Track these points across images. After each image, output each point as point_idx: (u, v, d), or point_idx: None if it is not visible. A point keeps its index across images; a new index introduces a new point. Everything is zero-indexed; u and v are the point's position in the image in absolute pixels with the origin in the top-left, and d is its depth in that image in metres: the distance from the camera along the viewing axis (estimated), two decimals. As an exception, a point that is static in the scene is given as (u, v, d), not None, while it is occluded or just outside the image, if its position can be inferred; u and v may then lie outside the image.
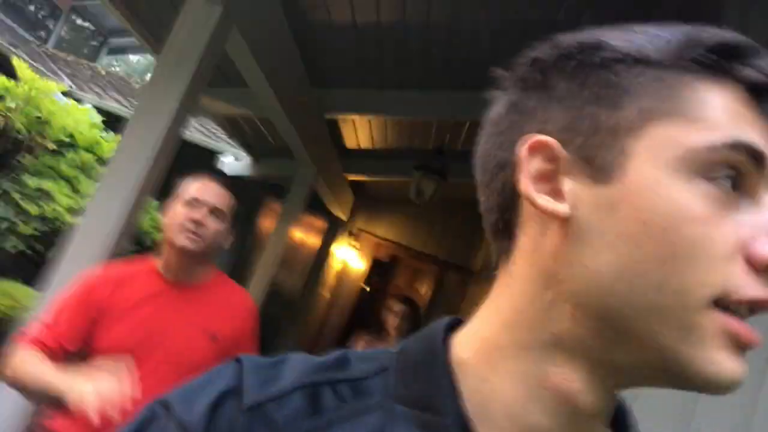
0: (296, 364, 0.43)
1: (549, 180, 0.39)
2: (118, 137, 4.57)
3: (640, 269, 0.36)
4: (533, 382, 0.39)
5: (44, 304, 1.80)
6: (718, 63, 0.37)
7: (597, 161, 0.38)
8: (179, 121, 1.99)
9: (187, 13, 2.01)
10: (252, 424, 0.38)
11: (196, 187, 1.54)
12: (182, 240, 1.48)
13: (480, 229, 0.47)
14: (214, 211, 1.53)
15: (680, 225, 0.35)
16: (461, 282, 6.87)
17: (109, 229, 1.87)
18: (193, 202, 1.51)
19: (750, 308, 0.36)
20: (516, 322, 0.40)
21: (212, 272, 1.61)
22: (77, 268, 1.80)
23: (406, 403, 0.40)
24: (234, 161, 5.77)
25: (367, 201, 6.62)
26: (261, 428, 0.38)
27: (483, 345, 0.42)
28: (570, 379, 0.38)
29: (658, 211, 0.36)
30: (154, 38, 2.97)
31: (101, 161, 4.83)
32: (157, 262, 1.56)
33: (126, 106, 6.55)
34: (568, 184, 0.39)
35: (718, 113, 0.37)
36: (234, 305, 1.62)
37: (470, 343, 0.42)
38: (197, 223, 1.49)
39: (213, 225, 1.52)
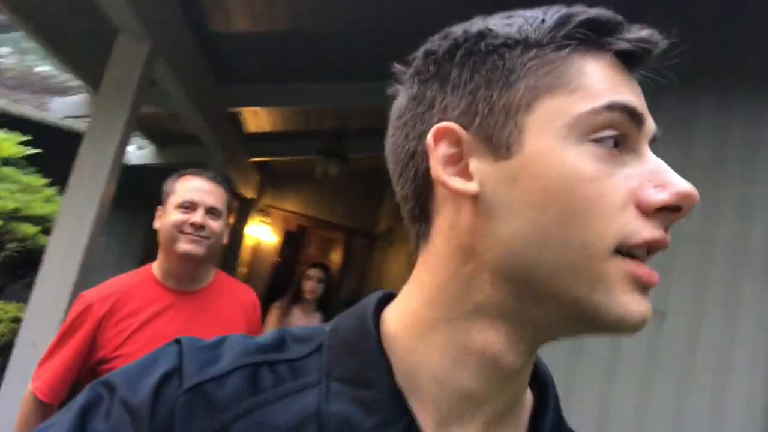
0: (235, 346, 0.44)
1: (456, 162, 0.42)
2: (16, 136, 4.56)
3: (545, 232, 0.38)
4: (458, 350, 0.41)
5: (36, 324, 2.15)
6: (590, 37, 0.41)
7: (495, 139, 0.40)
8: (123, 145, 2.37)
9: (118, 51, 2.37)
10: (192, 404, 0.39)
11: (189, 188, 1.47)
12: (184, 246, 1.43)
13: (380, 197, 0.64)
14: (211, 210, 1.47)
15: (575, 186, 0.38)
16: (367, 246, 7.60)
17: (82, 242, 2.25)
18: (188, 204, 1.45)
19: (648, 250, 0.39)
20: (439, 297, 0.42)
21: (213, 272, 1.57)
22: (55, 286, 2.16)
23: (341, 379, 0.42)
24: (137, 150, 5.85)
25: (273, 179, 7.02)
26: (201, 408, 0.39)
27: (410, 319, 0.44)
28: (492, 341, 0.40)
29: (554, 177, 0.38)
30: (89, 77, 3.25)
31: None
32: (154, 271, 1.49)
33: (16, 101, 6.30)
34: (473, 164, 0.41)
35: (595, 81, 0.40)
36: (242, 303, 1.58)
37: (399, 318, 0.44)
38: (197, 226, 1.44)
39: (212, 225, 1.47)
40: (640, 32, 0.42)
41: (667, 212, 0.39)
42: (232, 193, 1.59)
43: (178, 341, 0.43)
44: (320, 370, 0.43)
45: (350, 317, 0.47)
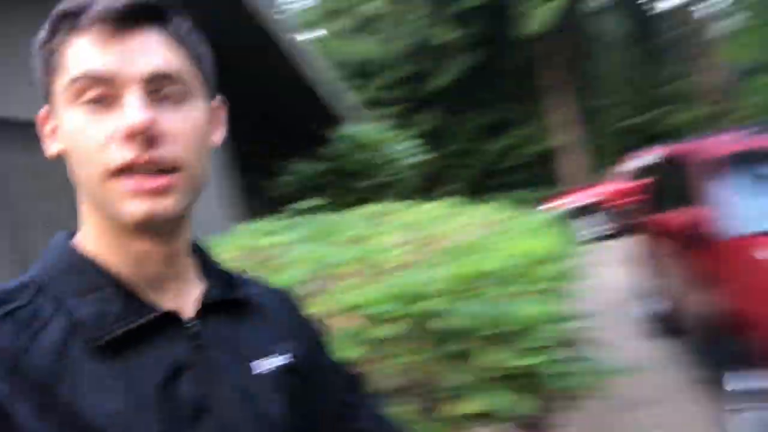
0: None
1: (52, 135, 0.59)
2: None
3: (77, 171, 0.56)
4: (119, 245, 0.58)
5: None
6: (68, 25, 0.55)
7: (54, 110, 0.58)
8: None
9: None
10: None
11: None
12: None
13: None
14: None
15: (74, 137, 0.54)
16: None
17: None
18: None
19: (137, 168, 0.53)
20: (93, 222, 0.60)
21: None
22: None
23: (74, 295, 0.56)
24: None
25: None
26: None
27: (91, 239, 0.60)
28: (131, 239, 0.58)
29: (65, 133, 0.56)
30: None
31: None
32: None
33: None
34: (56, 135, 0.59)
35: (71, 60, 0.54)
36: None
37: (86, 241, 0.60)
38: None
39: None
40: (99, 6, 0.54)
41: (136, 139, 0.52)
42: None
43: None
44: (53, 301, 0.55)
45: (51, 256, 0.60)
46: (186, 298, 0.62)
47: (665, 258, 4.05)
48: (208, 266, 0.67)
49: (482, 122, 16.39)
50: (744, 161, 3.46)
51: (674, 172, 4.31)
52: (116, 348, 0.55)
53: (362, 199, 7.64)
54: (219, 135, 0.66)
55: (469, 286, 1.88)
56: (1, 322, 0.52)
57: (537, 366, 1.76)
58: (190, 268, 0.65)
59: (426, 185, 10.70)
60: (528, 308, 1.76)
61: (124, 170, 0.53)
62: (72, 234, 0.63)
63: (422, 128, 15.99)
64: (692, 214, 3.39)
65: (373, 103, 17.02)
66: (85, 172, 0.55)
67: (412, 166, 7.56)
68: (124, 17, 0.54)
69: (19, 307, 0.54)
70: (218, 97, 0.67)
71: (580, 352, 2.23)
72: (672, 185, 4.31)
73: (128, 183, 0.53)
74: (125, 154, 0.53)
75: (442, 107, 16.87)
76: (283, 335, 0.68)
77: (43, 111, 0.60)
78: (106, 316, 0.55)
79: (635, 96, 16.36)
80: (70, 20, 0.55)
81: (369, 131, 7.61)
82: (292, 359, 0.66)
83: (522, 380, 1.78)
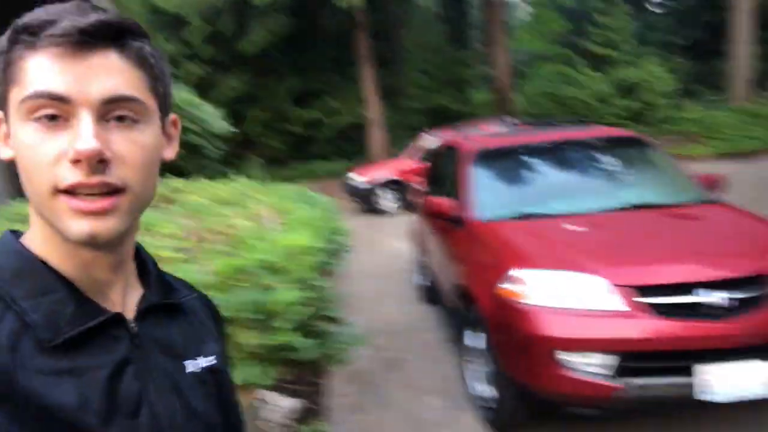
0: None
1: (5, 138, 0.61)
2: None
3: (25, 182, 0.58)
4: (68, 251, 0.61)
5: None
6: (28, 39, 0.56)
7: (8, 117, 0.59)
8: None
9: None
10: None
11: None
12: None
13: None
14: None
15: (23, 152, 0.56)
16: None
17: None
18: None
19: (87, 189, 0.55)
20: (41, 226, 0.62)
21: None
22: None
23: (27, 297, 0.58)
24: None
25: None
26: None
27: (40, 242, 0.62)
28: (78, 248, 0.60)
29: (17, 146, 0.58)
30: None
31: None
32: None
33: None
34: (8, 141, 0.60)
35: (28, 75, 0.55)
36: None
37: (36, 244, 0.62)
38: None
39: None
40: (61, 24, 0.54)
41: (85, 163, 0.55)
42: None
43: None
44: (1, 302, 0.58)
45: (0, 256, 0.62)
46: (128, 299, 0.67)
47: (431, 236, 4.74)
48: (146, 270, 0.72)
49: (295, 89, 16.35)
50: (491, 157, 4.22)
51: (445, 158, 5.02)
52: (66, 346, 0.58)
53: (162, 167, 7.28)
54: (171, 150, 0.69)
55: (239, 276, 2.14)
56: None
57: (292, 342, 2.10)
58: (132, 271, 0.69)
59: (234, 152, 10.49)
60: (287, 294, 2.08)
61: (71, 191, 0.55)
62: (18, 234, 0.65)
63: (232, 91, 15.47)
64: (451, 199, 4.03)
65: (181, 59, 15.97)
66: (34, 186, 0.57)
67: (218, 132, 7.30)
68: (84, 38, 0.55)
69: None
70: (172, 114, 0.69)
71: (338, 324, 2.65)
72: (442, 170, 5.02)
73: (73, 202, 0.56)
74: (73, 175, 0.55)
75: (255, 70, 16.44)
76: (208, 337, 0.75)
77: None
78: (59, 318, 0.59)
79: (437, 75, 17.66)
80: (31, 35, 0.56)
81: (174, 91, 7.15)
82: (215, 361, 0.73)
83: (278, 354, 2.11)
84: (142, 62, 0.60)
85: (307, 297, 2.13)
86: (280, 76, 16.28)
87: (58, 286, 0.60)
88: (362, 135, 15.83)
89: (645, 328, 2.57)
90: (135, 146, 0.58)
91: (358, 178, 11.18)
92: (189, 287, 0.79)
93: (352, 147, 16.24)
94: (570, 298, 2.72)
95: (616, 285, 2.66)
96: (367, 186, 10.90)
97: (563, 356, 2.62)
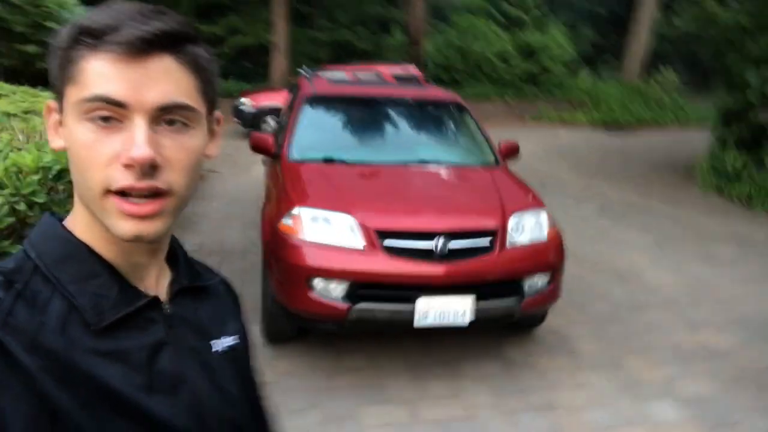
0: None
1: (56, 127, 0.63)
2: None
3: (77, 177, 0.60)
4: (110, 238, 0.62)
5: None
6: (89, 41, 0.57)
7: (63, 110, 0.61)
8: None
9: None
10: (8, 338, 0.54)
11: None
12: None
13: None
14: None
15: (78, 150, 0.58)
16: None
17: None
18: None
19: (136, 192, 0.58)
20: (85, 213, 0.63)
21: None
22: None
23: (73, 282, 0.61)
24: None
25: None
26: (15, 337, 0.55)
27: (83, 227, 0.64)
28: (113, 233, 0.61)
29: (70, 143, 0.59)
30: None
31: None
32: None
33: None
34: (60, 130, 0.62)
35: (88, 77, 0.57)
36: None
37: (78, 228, 0.64)
38: None
39: None
40: (123, 31, 0.56)
41: (137, 168, 0.56)
42: None
43: None
44: (48, 284, 0.60)
45: (45, 240, 0.64)
46: (162, 282, 0.71)
47: (269, 169, 5.06)
48: (174, 254, 0.74)
49: (198, 3, 15.57)
50: (318, 102, 4.53)
51: (293, 97, 5.28)
52: (109, 328, 0.61)
53: (29, 64, 6.92)
54: (214, 146, 0.70)
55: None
56: (15, 302, 0.57)
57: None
58: (164, 255, 0.72)
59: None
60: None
61: (121, 192, 0.58)
62: (57, 217, 0.67)
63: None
64: (283, 137, 4.31)
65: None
66: (86, 182, 0.59)
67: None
68: (144, 46, 0.56)
69: (24, 289, 0.59)
70: (217, 112, 0.70)
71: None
72: (289, 108, 5.29)
73: (124, 206, 0.58)
74: (125, 178, 0.57)
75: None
76: (231, 319, 0.79)
77: (51, 102, 0.64)
78: (103, 302, 0.61)
79: (351, 10, 17.36)
80: (93, 38, 0.57)
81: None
82: (238, 340, 0.77)
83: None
84: (196, 67, 0.61)
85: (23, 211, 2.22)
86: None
87: (101, 270, 0.63)
88: (266, 59, 15.50)
89: (373, 262, 3.10)
90: (184, 151, 0.61)
91: (248, 102, 11.21)
92: (211, 271, 0.83)
93: (254, 70, 15.87)
94: (327, 234, 3.19)
95: (361, 225, 3.15)
96: (253, 111, 11.01)
97: (312, 282, 3.12)
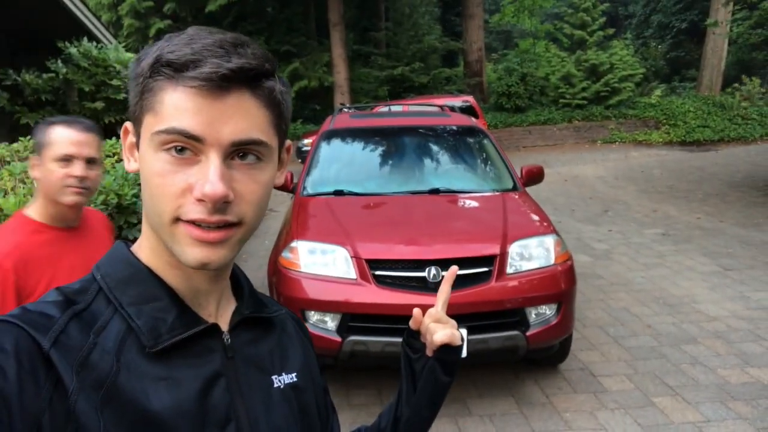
0: (46, 306, 0.59)
1: (132, 149, 0.65)
2: None
3: (148, 203, 0.61)
4: (173, 262, 0.64)
5: None
6: (169, 74, 0.57)
7: (137, 139, 0.63)
8: None
9: None
10: (57, 355, 0.55)
11: (65, 142, 1.50)
12: (70, 198, 1.52)
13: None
14: (90, 161, 1.54)
15: (152, 179, 0.59)
16: None
17: None
18: (67, 158, 1.50)
19: (206, 224, 0.58)
20: (152, 238, 0.65)
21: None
22: None
23: (133, 304, 0.62)
24: None
25: None
26: (64, 355, 0.55)
27: (148, 252, 0.66)
28: (179, 260, 0.61)
29: (144, 171, 0.60)
30: None
31: None
32: (34, 217, 1.56)
33: None
34: (135, 153, 0.64)
35: (166, 109, 0.57)
36: (103, 224, 1.81)
37: (144, 253, 0.66)
38: (80, 178, 1.51)
39: (92, 174, 1.55)
40: (204, 67, 0.56)
41: (209, 203, 0.57)
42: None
43: (14, 315, 0.57)
44: (110, 306, 0.61)
45: (111, 263, 0.65)
46: (223, 311, 0.70)
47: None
48: (239, 285, 0.74)
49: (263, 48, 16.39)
50: (333, 137, 4.58)
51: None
52: (165, 352, 0.61)
53: (97, 120, 7.53)
54: (282, 175, 0.70)
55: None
56: (70, 323, 0.58)
57: None
58: (227, 284, 0.72)
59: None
60: None
61: (192, 222, 0.58)
62: (128, 244, 0.69)
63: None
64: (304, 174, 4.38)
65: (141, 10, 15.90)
66: (157, 210, 0.60)
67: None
68: (224, 83, 0.57)
69: (82, 310, 0.60)
70: (287, 141, 0.70)
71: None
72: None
73: (192, 230, 0.58)
74: (197, 212, 0.58)
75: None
76: (295, 354, 0.76)
77: (128, 125, 0.65)
78: (160, 325, 0.61)
79: (406, 45, 17.61)
80: (174, 70, 0.57)
81: (111, 49, 7.35)
82: (296, 378, 0.74)
83: None
84: (271, 102, 0.61)
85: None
86: (247, 34, 16.21)
87: (161, 294, 0.64)
88: (330, 100, 16.00)
89: (363, 293, 3.03)
90: (255, 185, 0.61)
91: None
92: (277, 304, 0.81)
93: (321, 111, 16.38)
94: (322, 266, 3.17)
95: (354, 256, 3.11)
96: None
97: (307, 315, 3.09)
